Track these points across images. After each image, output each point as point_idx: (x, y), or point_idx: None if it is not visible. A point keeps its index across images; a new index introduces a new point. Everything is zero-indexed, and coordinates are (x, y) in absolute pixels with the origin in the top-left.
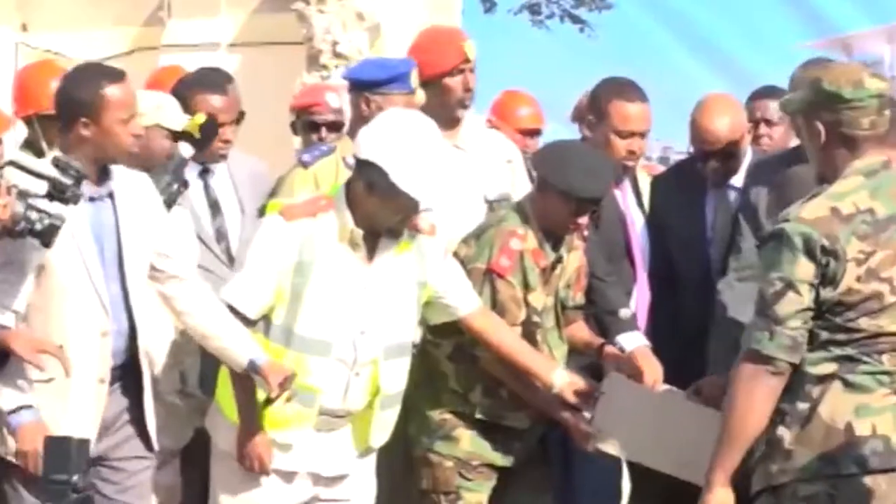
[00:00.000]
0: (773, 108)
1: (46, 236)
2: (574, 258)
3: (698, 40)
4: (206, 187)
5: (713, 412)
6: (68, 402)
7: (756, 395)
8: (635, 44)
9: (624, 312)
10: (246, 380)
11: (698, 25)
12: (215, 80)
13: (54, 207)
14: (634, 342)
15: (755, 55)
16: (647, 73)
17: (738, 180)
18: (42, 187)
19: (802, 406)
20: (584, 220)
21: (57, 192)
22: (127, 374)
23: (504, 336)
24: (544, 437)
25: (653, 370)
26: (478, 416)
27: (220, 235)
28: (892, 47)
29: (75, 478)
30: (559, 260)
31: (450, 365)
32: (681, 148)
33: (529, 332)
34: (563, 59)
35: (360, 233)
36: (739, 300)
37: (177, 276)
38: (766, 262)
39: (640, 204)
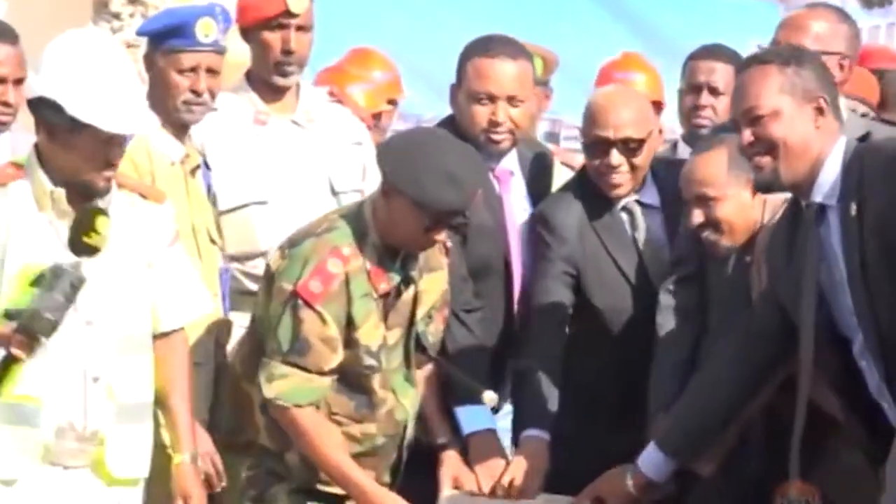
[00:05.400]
0: (721, 72)
1: None
2: (437, 281)
3: None
4: None
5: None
6: None
7: None
8: None
9: (489, 395)
10: None
11: None
12: (4, 27)
13: None
14: (477, 423)
15: (668, 10)
16: (541, 28)
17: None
18: None
19: None
20: (441, 235)
21: None
22: None
23: (175, 377)
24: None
25: (488, 470)
26: (293, 483)
27: None
28: None
29: None
30: (408, 282)
31: (262, 418)
32: (574, 121)
33: (360, 378)
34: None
35: (61, 192)
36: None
37: None
38: None
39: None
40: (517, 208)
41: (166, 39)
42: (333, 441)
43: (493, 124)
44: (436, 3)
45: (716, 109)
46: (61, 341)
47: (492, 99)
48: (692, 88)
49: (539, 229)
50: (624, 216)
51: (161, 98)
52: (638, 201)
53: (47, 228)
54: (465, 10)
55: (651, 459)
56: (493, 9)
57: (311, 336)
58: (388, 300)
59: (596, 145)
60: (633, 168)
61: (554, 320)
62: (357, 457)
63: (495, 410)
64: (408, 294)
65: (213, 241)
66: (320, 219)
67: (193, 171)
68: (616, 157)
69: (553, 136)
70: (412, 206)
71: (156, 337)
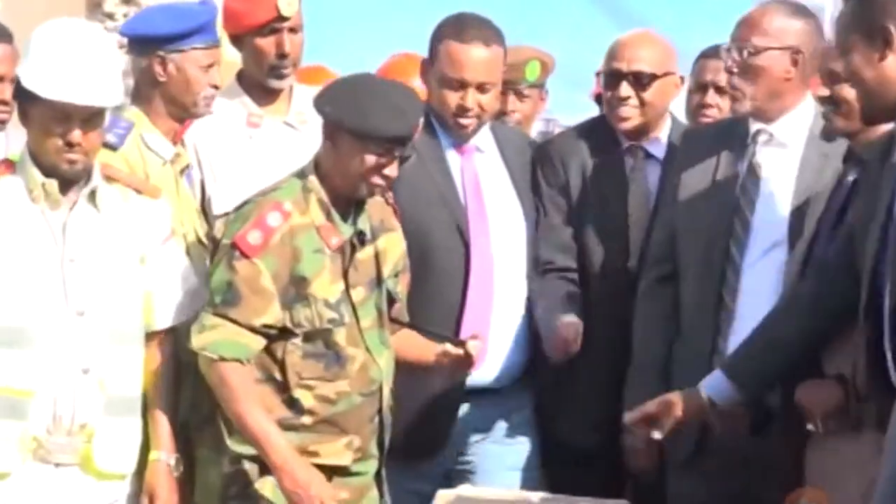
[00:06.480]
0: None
1: None
2: (395, 240)
3: None
4: None
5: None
6: None
7: None
8: None
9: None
10: None
11: None
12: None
13: None
14: None
15: (664, 10)
16: (535, 28)
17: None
18: None
19: None
20: (392, 169)
21: None
22: None
23: (161, 375)
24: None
25: None
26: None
27: None
28: None
29: None
30: (362, 238)
31: None
32: (568, 121)
33: (325, 335)
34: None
35: (53, 183)
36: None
37: None
38: None
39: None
40: (488, 184)
41: (183, 39)
42: (256, 401)
43: (462, 109)
44: (431, 3)
45: (721, 108)
46: (52, 332)
47: (462, 85)
48: (699, 87)
49: (538, 162)
50: (627, 160)
51: (177, 96)
52: (643, 148)
53: (39, 220)
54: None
55: (715, 383)
56: (488, 9)
57: (244, 287)
58: (345, 257)
59: (610, 77)
60: (642, 103)
61: (562, 262)
62: (336, 418)
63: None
64: (366, 252)
65: (199, 241)
66: (272, 184)
67: (182, 172)
68: (625, 89)
69: (547, 136)
70: (359, 140)
71: (146, 335)
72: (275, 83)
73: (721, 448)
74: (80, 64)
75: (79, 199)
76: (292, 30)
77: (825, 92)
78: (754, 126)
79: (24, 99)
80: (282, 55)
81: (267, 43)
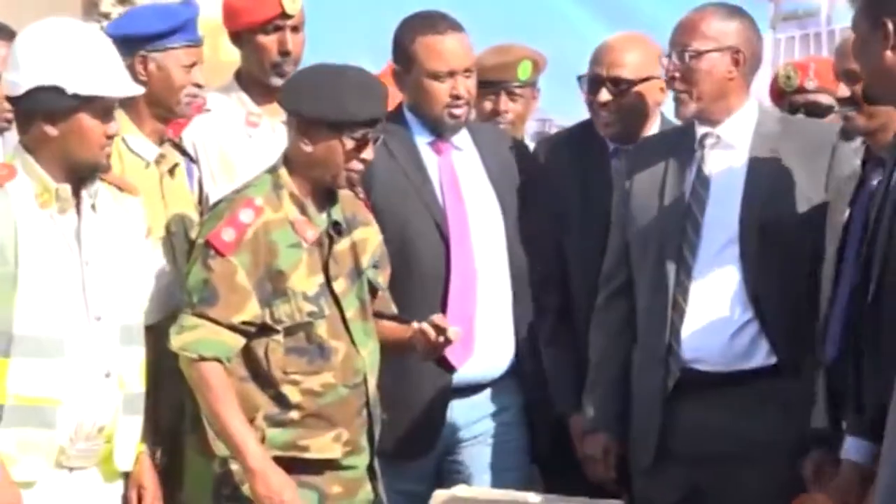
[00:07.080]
0: None
1: None
2: (372, 232)
3: None
4: None
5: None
6: None
7: None
8: None
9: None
10: None
11: None
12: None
13: None
14: None
15: (657, 8)
16: (527, 27)
17: None
18: None
19: None
20: (369, 152)
21: None
22: None
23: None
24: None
25: None
26: (271, 452)
27: None
28: None
29: None
30: (338, 229)
31: None
32: (563, 122)
33: (307, 329)
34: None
35: (66, 188)
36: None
37: None
38: None
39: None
40: (466, 183)
41: (165, 37)
42: (235, 403)
43: (456, 98)
44: (422, 4)
45: None
46: (77, 339)
47: (451, 74)
48: None
49: (524, 165)
50: (614, 163)
51: (160, 95)
52: (627, 150)
53: (49, 225)
54: (450, 11)
55: (856, 448)
56: (479, 8)
57: (221, 285)
58: (323, 249)
59: (591, 82)
60: (621, 108)
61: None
62: (324, 411)
63: None
64: (343, 244)
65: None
66: (240, 185)
67: (171, 171)
68: (604, 94)
69: (542, 136)
70: (334, 129)
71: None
72: (276, 81)
73: (683, 452)
74: (108, 57)
75: (84, 201)
76: (294, 28)
77: (845, 92)
78: (701, 130)
79: (62, 104)
80: (284, 53)
81: (269, 41)
